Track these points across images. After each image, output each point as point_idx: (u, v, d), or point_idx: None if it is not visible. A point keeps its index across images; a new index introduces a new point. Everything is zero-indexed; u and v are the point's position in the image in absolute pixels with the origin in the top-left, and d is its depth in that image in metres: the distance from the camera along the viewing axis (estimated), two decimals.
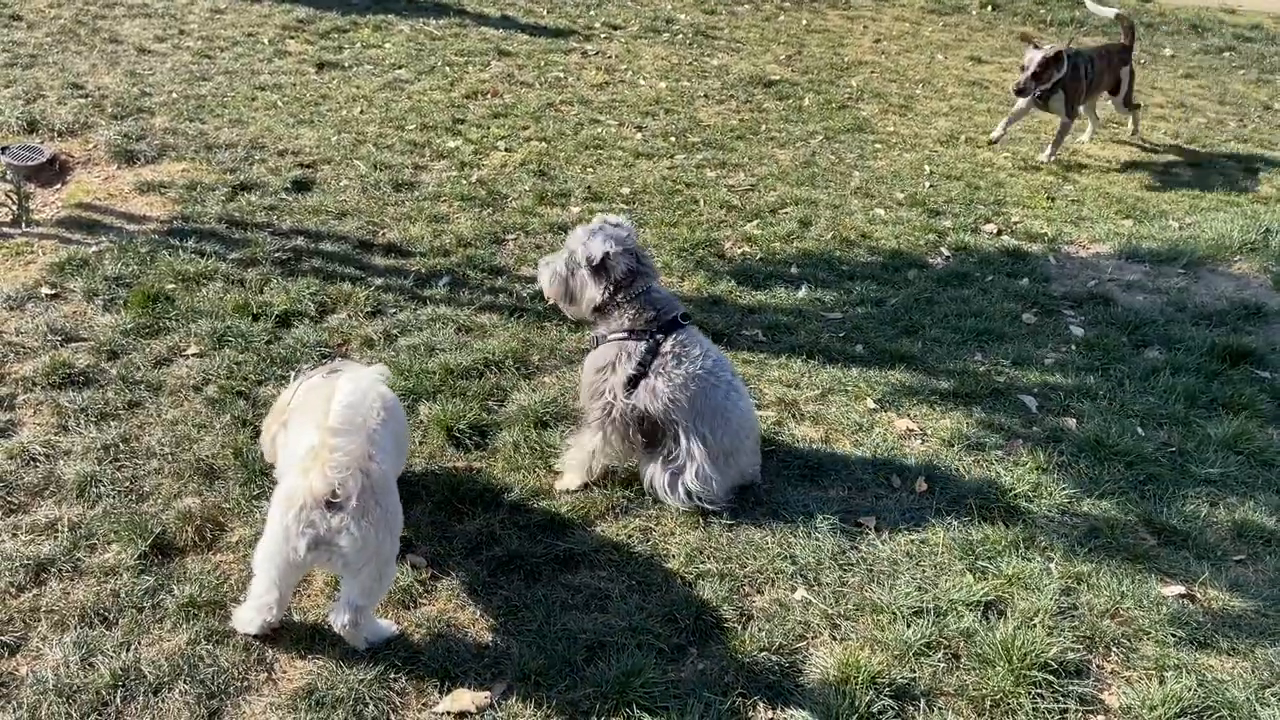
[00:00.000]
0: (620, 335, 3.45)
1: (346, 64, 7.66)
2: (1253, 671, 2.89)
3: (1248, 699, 2.78)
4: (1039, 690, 2.79)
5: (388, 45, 8.18)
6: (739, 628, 2.97)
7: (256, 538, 3.16)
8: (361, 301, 4.54)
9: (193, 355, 4.07)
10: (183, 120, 6.27)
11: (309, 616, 2.93)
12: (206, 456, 3.51)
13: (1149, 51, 9.83)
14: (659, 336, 3.42)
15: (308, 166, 5.87)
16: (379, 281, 4.73)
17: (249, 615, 2.80)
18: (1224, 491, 3.65)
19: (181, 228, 5.03)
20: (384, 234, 5.21)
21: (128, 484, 3.37)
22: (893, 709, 2.73)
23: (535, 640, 2.89)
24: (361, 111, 6.79)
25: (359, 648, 2.81)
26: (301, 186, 5.62)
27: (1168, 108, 8.23)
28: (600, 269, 3.41)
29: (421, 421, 3.80)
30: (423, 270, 4.89)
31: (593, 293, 3.45)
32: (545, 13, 9.61)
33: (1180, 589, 3.18)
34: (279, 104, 6.71)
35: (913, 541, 3.36)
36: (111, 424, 3.64)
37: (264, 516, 3.23)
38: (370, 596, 2.74)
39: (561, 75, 7.95)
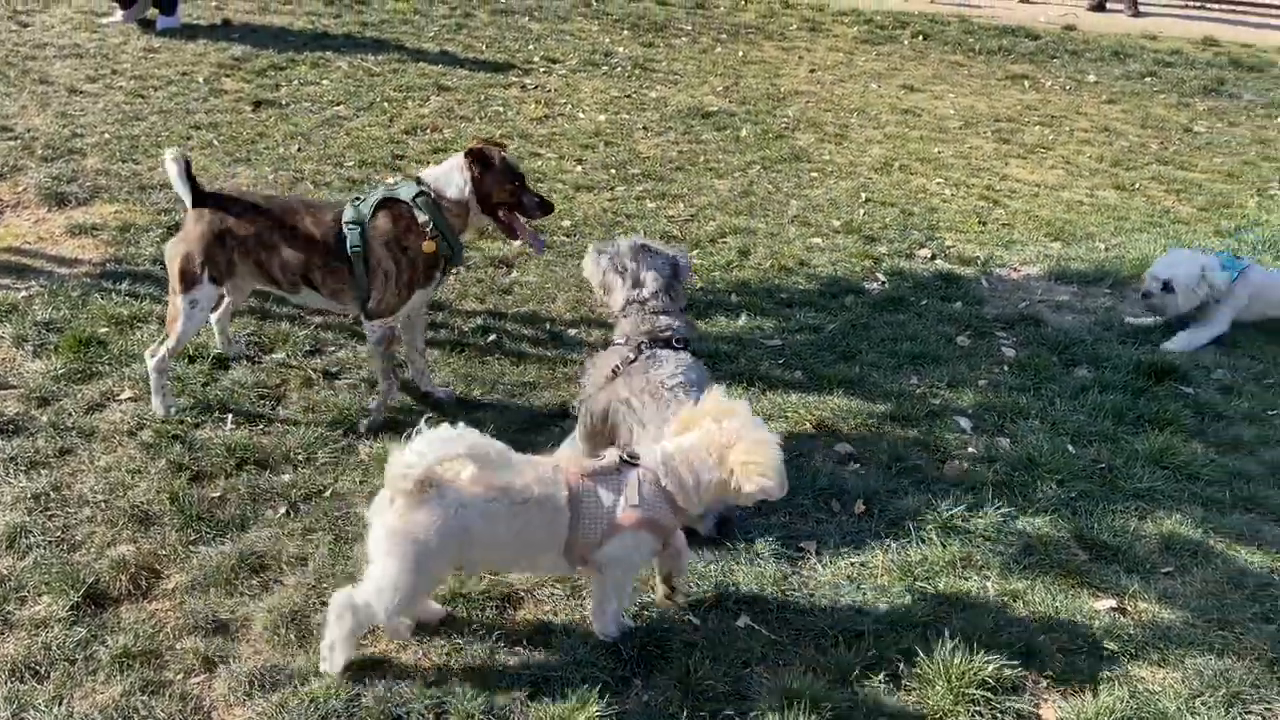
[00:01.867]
0: (620, 342, 3.66)
1: (284, 101, 7.63)
2: (1183, 681, 2.97)
3: (1178, 709, 2.86)
4: (977, 708, 2.84)
5: (326, 82, 8.17)
6: (683, 657, 2.99)
7: (194, 584, 3.13)
8: (300, 340, 4.51)
9: (127, 400, 4.01)
10: (115, 161, 6.20)
11: (247, 665, 2.89)
12: (141, 502, 3.46)
13: (1073, 78, 10.13)
14: (643, 346, 3.55)
15: None
16: (318, 320, 4.71)
17: None
18: (1152, 505, 3.76)
19: (115, 270, 4.96)
20: None
21: (59, 533, 3.31)
22: None
23: (478, 679, 2.88)
24: (299, 149, 6.76)
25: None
26: None
27: (1093, 132, 8.49)
28: (630, 276, 3.75)
29: (362, 460, 3.78)
30: None
31: (618, 296, 3.78)
32: (484, 47, 9.67)
33: (1112, 602, 3.26)
34: (215, 143, 6.66)
35: (853, 565, 3.41)
36: (42, 472, 3.57)
37: (201, 561, 3.21)
38: None
39: (501, 109, 7.99)
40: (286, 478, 3.65)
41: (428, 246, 3.78)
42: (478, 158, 3.82)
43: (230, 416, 3.98)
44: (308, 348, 4.47)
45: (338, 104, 7.68)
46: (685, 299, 3.88)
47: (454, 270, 4.44)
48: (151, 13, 9.03)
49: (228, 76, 8.02)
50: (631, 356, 3.55)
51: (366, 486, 3.65)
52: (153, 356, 3.88)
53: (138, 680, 2.80)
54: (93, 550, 3.26)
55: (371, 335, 3.93)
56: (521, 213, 3.98)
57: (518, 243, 4.22)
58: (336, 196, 6.02)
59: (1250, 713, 2.88)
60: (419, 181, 3.86)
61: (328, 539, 3.38)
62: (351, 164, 6.57)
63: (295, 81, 8.09)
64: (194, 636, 2.97)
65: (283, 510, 3.50)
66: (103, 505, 3.44)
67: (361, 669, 2.88)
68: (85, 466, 3.63)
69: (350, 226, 3.76)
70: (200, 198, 3.79)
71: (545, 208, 4.01)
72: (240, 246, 3.78)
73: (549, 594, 3.20)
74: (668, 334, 3.59)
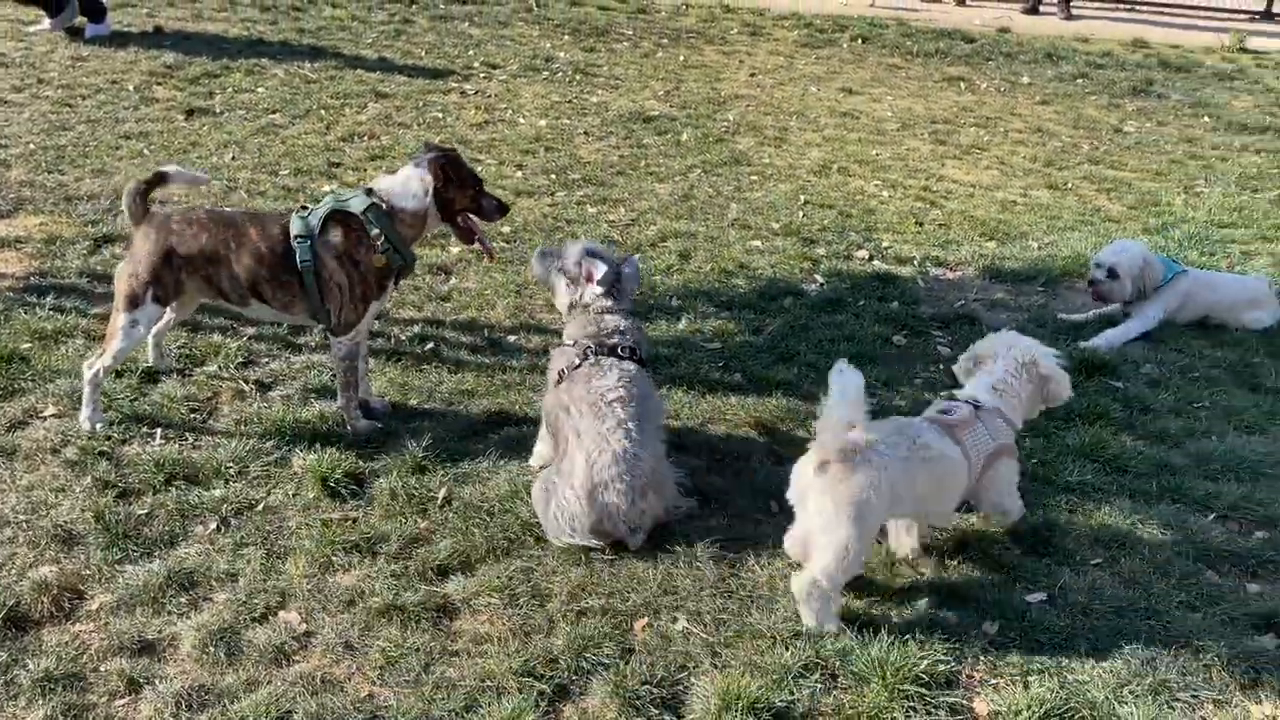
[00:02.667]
0: (568, 344, 3.68)
1: (217, 109, 7.51)
2: (1111, 671, 3.02)
3: (1106, 698, 2.91)
4: (912, 704, 2.87)
5: (261, 89, 8.05)
6: (621, 663, 2.98)
7: (119, 604, 3.06)
8: (233, 353, 4.43)
9: (50, 416, 3.91)
10: (41, 172, 6.05)
11: (174, 685, 2.83)
12: (65, 522, 3.38)
13: (1008, 80, 10.31)
14: (589, 352, 3.55)
15: None
16: (251, 331, 4.63)
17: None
18: (1082, 498, 3.82)
19: (39, 284, 4.84)
20: None
21: None
22: None
23: (414, 690, 2.84)
24: (233, 158, 6.66)
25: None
26: None
27: (1026, 133, 8.64)
28: (573, 278, 3.78)
29: (295, 473, 3.72)
30: None
31: (563, 299, 3.84)
32: (423, 53, 9.60)
33: (1043, 595, 3.31)
34: (145, 152, 6.53)
35: (791, 565, 3.41)
36: None
37: (127, 581, 3.14)
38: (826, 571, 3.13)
39: (440, 115, 7.94)
40: (217, 493, 3.58)
41: (377, 261, 3.76)
42: (446, 164, 3.83)
43: (159, 431, 3.90)
44: (240, 360, 4.40)
45: (273, 112, 7.57)
46: (631, 303, 3.88)
47: (406, 278, 4.41)
48: (80, 20, 8.84)
49: (159, 85, 7.88)
50: (576, 362, 3.54)
51: (300, 500, 3.60)
52: (90, 369, 3.81)
53: (60, 704, 2.72)
54: (13, 572, 3.17)
55: (337, 351, 3.89)
56: (481, 217, 4.00)
57: (472, 247, 4.20)
58: (272, 205, 5.94)
59: (1176, 700, 2.93)
60: (369, 192, 3.81)
61: (260, 554, 3.32)
62: (287, 172, 6.48)
63: (229, 89, 7.97)
64: (119, 658, 2.90)
65: (213, 526, 3.44)
66: (24, 525, 3.35)
67: (291, 685, 2.83)
68: (6, 486, 3.54)
69: (299, 240, 3.70)
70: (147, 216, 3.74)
71: (502, 209, 4.04)
72: (187, 265, 3.73)
73: (486, 604, 3.18)
74: (614, 341, 3.58)
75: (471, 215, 3.98)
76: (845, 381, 3.01)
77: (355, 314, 3.83)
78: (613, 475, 3.34)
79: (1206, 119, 9.31)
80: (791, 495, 3.20)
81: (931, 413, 3.42)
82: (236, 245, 3.73)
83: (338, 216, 3.75)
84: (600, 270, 3.73)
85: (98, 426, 3.84)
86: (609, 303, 3.74)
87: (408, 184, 3.83)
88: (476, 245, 4.07)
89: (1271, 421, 4.43)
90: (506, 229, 5.98)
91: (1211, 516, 3.75)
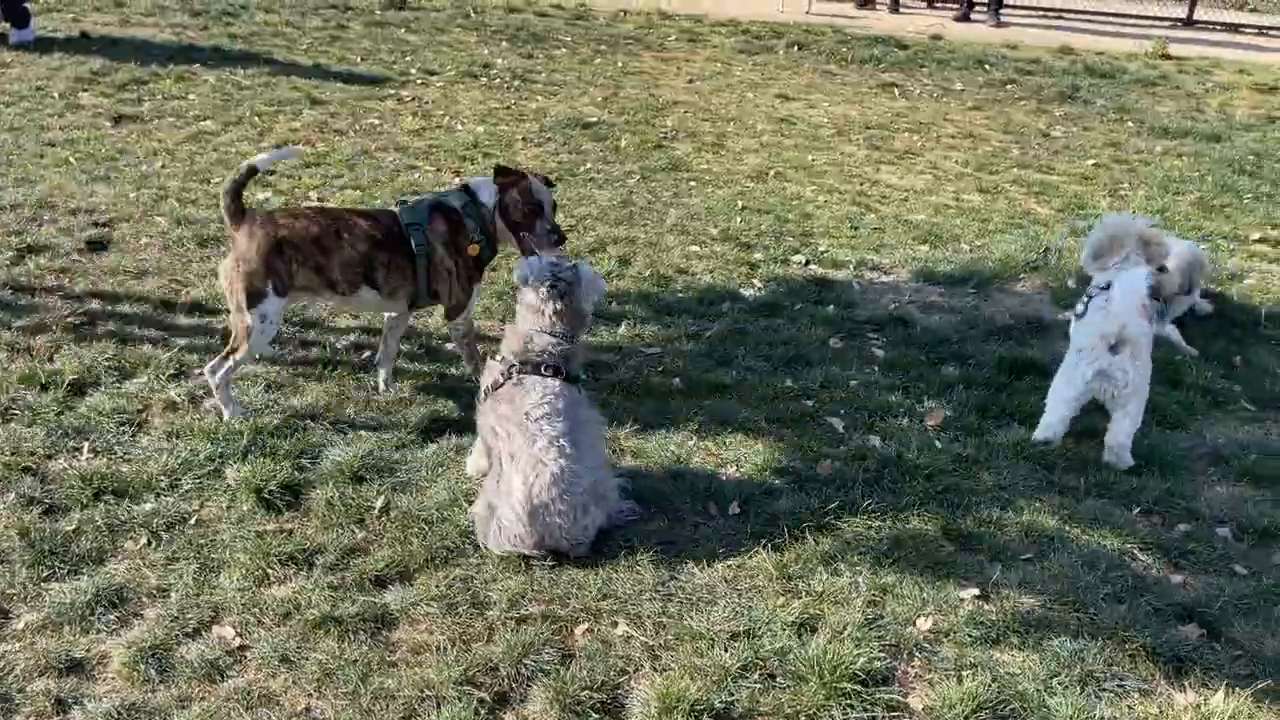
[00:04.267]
0: (499, 358, 3.63)
1: (147, 116, 7.37)
2: (1041, 663, 3.09)
3: (1036, 690, 2.98)
4: (849, 701, 2.91)
5: (192, 96, 7.92)
6: (561, 669, 2.98)
7: (45, 623, 3.00)
8: (164, 364, 4.35)
9: None
10: None
11: (103, 704, 2.77)
12: None
13: (940, 86, 10.51)
14: (513, 370, 3.51)
15: (103, 225, 5.61)
16: (183, 342, 4.55)
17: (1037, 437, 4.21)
18: (1013, 495, 3.91)
19: None
20: (188, 292, 5.01)
21: None
22: None
23: (351, 703, 2.82)
24: (164, 166, 6.54)
25: (1123, 467, 4.05)
26: (96, 246, 5.36)
27: (958, 138, 8.82)
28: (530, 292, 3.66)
29: (229, 485, 3.67)
30: (230, 328, 4.72)
31: (520, 305, 3.71)
32: (360, 60, 9.52)
33: (976, 591, 3.38)
34: (71, 160, 6.38)
35: (730, 566, 3.45)
36: None
37: (54, 599, 3.07)
38: (1135, 424, 4.04)
39: (377, 122, 7.88)
40: (148, 506, 3.52)
41: (471, 249, 4.12)
42: (502, 177, 4.12)
43: (87, 445, 3.81)
44: (171, 371, 4.32)
45: (204, 119, 7.45)
46: (582, 317, 3.69)
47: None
48: (3, 27, 8.62)
49: (85, 91, 7.71)
50: (500, 380, 3.53)
51: (234, 512, 3.54)
52: (213, 373, 3.98)
53: None
54: None
55: (456, 331, 4.33)
56: (533, 238, 4.13)
57: None
58: (204, 215, 5.84)
59: (1104, 690, 3.02)
60: (465, 189, 4.18)
61: (192, 568, 3.26)
62: (219, 180, 6.37)
63: (159, 96, 7.83)
64: (46, 677, 2.83)
65: (143, 541, 3.37)
66: None
67: (225, 701, 2.79)
68: None
69: (413, 227, 4.04)
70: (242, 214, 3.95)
71: (557, 240, 4.15)
72: (299, 255, 3.92)
73: (424, 613, 3.16)
74: (538, 360, 3.53)
75: (528, 235, 4.14)
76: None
77: (464, 295, 4.21)
78: (553, 496, 3.33)
79: (1130, 124, 9.58)
80: None
81: None
82: (348, 234, 3.97)
83: (440, 208, 4.10)
84: (522, 275, 3.66)
85: (241, 414, 4.02)
86: (540, 318, 3.61)
87: (485, 186, 4.17)
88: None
89: (1191, 416, 4.57)
90: None
91: (1136, 511, 3.86)
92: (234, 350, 3.97)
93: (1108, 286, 4.30)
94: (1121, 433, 4.07)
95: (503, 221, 4.16)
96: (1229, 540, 3.73)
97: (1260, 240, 6.73)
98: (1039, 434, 4.21)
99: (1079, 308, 4.41)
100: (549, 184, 4.28)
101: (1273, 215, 7.22)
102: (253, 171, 3.94)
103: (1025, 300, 5.73)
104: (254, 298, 3.87)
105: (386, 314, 4.35)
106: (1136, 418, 4.07)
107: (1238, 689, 3.01)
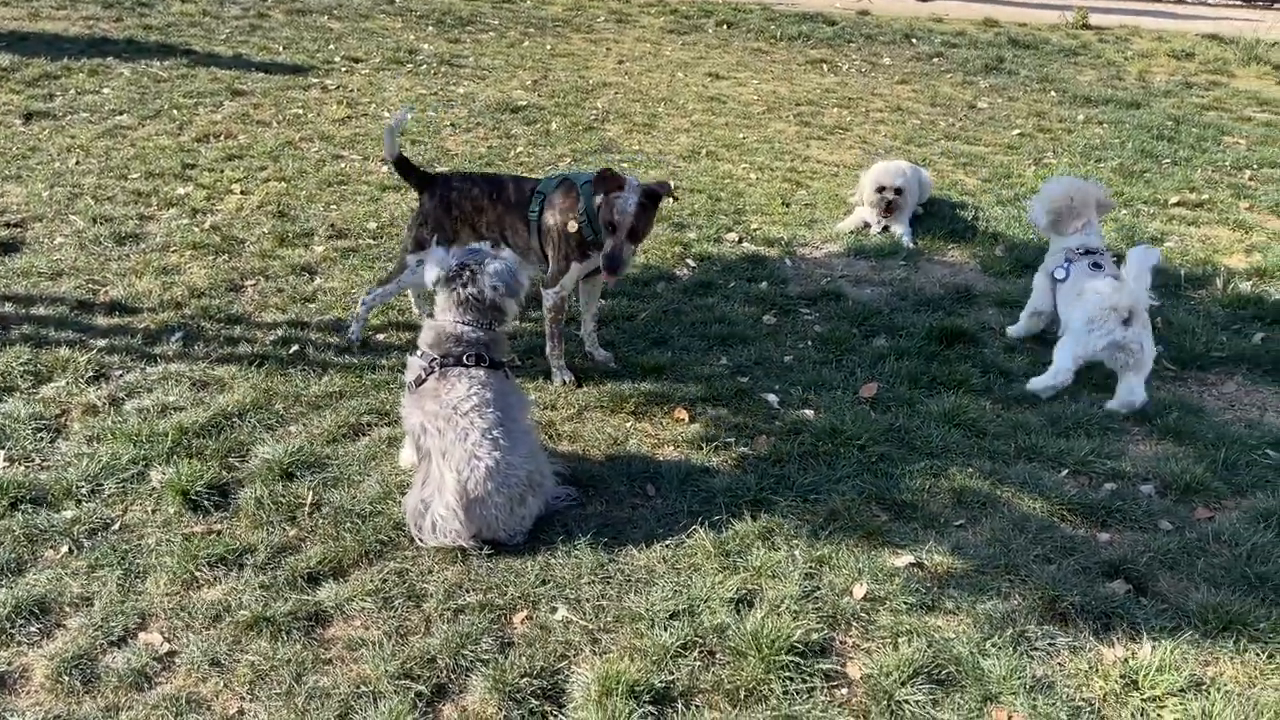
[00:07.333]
0: (419, 351, 3.56)
1: (59, 112, 7.14)
2: (975, 626, 3.14)
3: (971, 653, 3.02)
4: (788, 674, 2.93)
5: (106, 90, 7.69)
6: (500, 657, 2.96)
7: None
8: (82, 366, 4.23)
9: None
10: None
11: (26, 718, 2.69)
12: None
13: (868, 61, 10.59)
14: (434, 365, 3.45)
15: (15, 226, 5.43)
16: (102, 343, 4.42)
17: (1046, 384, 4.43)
18: (945, 463, 3.96)
19: None
20: (106, 292, 4.87)
21: None
22: (653, 714, 2.79)
23: (286, 703, 2.77)
24: (78, 162, 6.34)
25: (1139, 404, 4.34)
26: (8, 248, 5.19)
27: (887, 112, 8.89)
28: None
29: (154, 488, 3.57)
30: (152, 327, 4.61)
31: (436, 298, 3.66)
32: (281, 49, 9.31)
33: (910, 558, 3.42)
34: None
35: (668, 546, 3.45)
36: None
37: None
38: (1145, 373, 4.35)
39: (301, 112, 7.72)
40: (68, 514, 3.42)
41: (570, 225, 4.22)
42: (604, 174, 4.11)
43: (2, 453, 3.69)
44: (90, 374, 4.20)
45: (120, 113, 7.24)
46: (495, 306, 3.59)
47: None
48: None
49: None
50: (423, 375, 3.47)
51: (159, 515, 3.46)
52: (369, 293, 4.63)
53: None
54: None
55: (545, 301, 4.43)
56: (610, 233, 4.12)
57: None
58: (121, 212, 5.68)
59: (1035, 649, 3.07)
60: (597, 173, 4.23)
61: (116, 575, 3.17)
62: (138, 175, 6.21)
63: (71, 91, 7.59)
64: None
65: (64, 549, 3.27)
66: None
67: (153, 709, 2.72)
68: None
69: (536, 194, 4.33)
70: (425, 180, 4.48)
71: (609, 265, 4.10)
72: (462, 215, 4.43)
73: (359, 609, 3.11)
74: (459, 350, 3.47)
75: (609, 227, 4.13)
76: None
77: (560, 269, 4.33)
78: (489, 490, 3.30)
79: (1053, 93, 9.74)
80: None
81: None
82: (496, 194, 4.40)
83: (565, 183, 4.31)
84: (431, 272, 3.59)
85: (355, 338, 4.60)
86: (451, 310, 3.56)
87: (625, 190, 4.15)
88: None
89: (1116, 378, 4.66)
90: (373, 224, 5.86)
91: (1064, 472, 3.94)
92: (387, 280, 4.62)
93: (1089, 252, 4.54)
94: (1137, 385, 4.34)
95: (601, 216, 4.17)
96: (1153, 497, 3.82)
97: (1179, 204, 6.89)
98: (1050, 380, 4.42)
99: (1058, 272, 4.61)
100: (669, 195, 4.28)
101: (1190, 179, 7.39)
102: (396, 155, 4.42)
103: (954, 270, 5.81)
104: (419, 244, 4.46)
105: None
106: (1147, 369, 4.36)
107: (1164, 641, 3.08)
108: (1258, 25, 12.39)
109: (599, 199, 4.13)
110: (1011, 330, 4.97)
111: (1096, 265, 4.51)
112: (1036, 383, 4.47)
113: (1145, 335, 4.32)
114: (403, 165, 4.46)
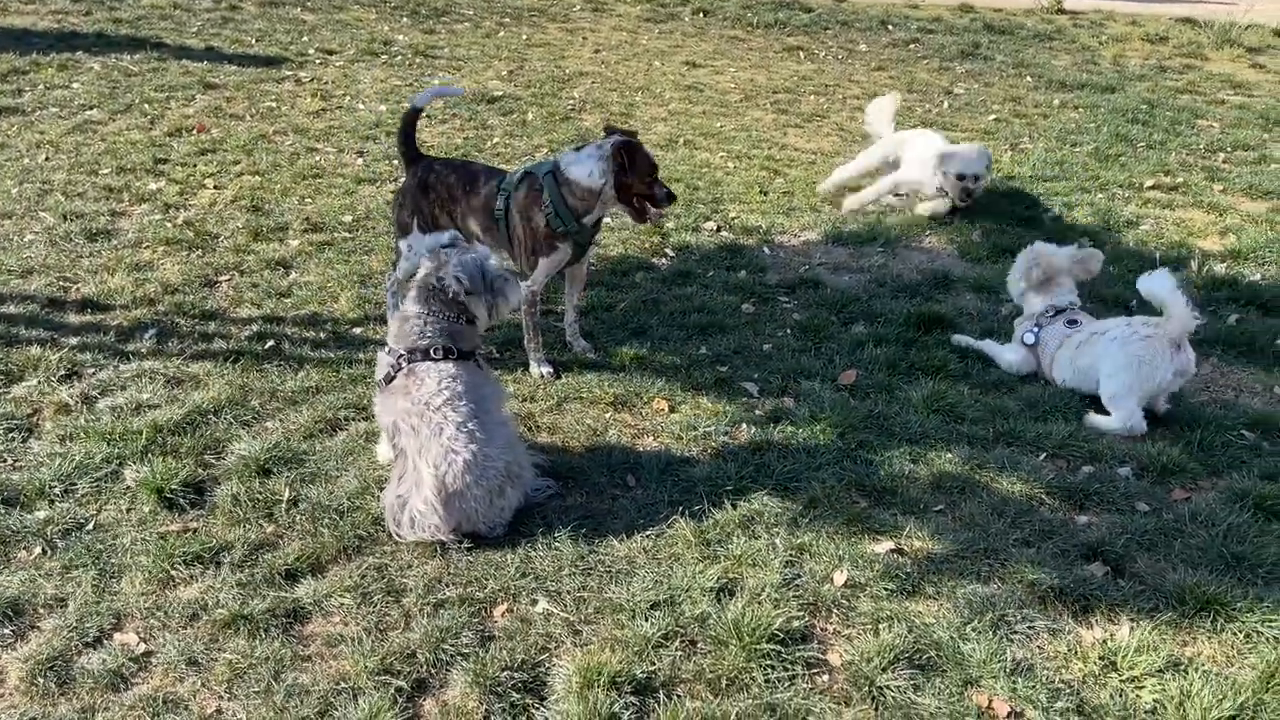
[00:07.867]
0: (387, 349, 3.52)
1: (28, 108, 7.04)
2: (954, 611, 3.15)
3: (951, 637, 3.03)
4: (769, 662, 2.93)
5: (76, 85, 7.59)
6: (481, 651, 2.95)
7: None
8: (54, 365, 4.18)
9: None
10: None
11: None
12: None
13: (845, 48, 10.59)
14: (402, 361, 3.40)
15: None
16: (74, 341, 4.37)
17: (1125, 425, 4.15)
18: (924, 448, 3.97)
19: None
20: (78, 289, 4.82)
21: None
22: (635, 705, 2.79)
23: (264, 701, 2.75)
24: (47, 158, 6.26)
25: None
26: None
27: (864, 99, 8.87)
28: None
29: (128, 487, 3.54)
30: (125, 324, 4.56)
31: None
32: (254, 41, 9.22)
33: (890, 544, 3.43)
34: None
35: (649, 536, 3.44)
36: None
37: None
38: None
39: (274, 105, 7.65)
40: (41, 514, 3.38)
41: (539, 221, 4.17)
42: (626, 150, 4.09)
43: None
44: (62, 372, 4.15)
45: (90, 108, 7.16)
46: (458, 301, 3.51)
47: (590, 244, 4.54)
48: None
49: None
50: (392, 373, 3.43)
51: (134, 514, 3.42)
52: (389, 279, 4.63)
53: None
54: None
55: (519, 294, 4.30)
56: (653, 204, 4.24)
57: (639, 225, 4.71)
58: (93, 208, 5.61)
59: (1015, 632, 3.08)
60: (555, 163, 4.19)
61: (90, 575, 3.14)
62: (108, 171, 6.14)
63: (40, 86, 7.49)
64: None
65: (38, 550, 3.23)
66: None
67: (130, 709, 2.69)
68: None
69: (501, 192, 4.25)
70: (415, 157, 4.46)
71: (671, 198, 4.28)
72: (439, 200, 4.38)
73: (338, 605, 3.09)
74: (425, 344, 3.42)
75: (645, 199, 4.20)
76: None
77: (528, 265, 4.29)
78: (468, 483, 3.28)
79: (1029, 78, 9.76)
80: None
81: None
82: (468, 190, 4.34)
83: (528, 177, 4.21)
84: (403, 263, 3.57)
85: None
86: (416, 304, 3.51)
87: (584, 162, 4.14)
88: (649, 224, 4.47)
89: None
90: (348, 217, 5.81)
91: (1042, 456, 3.95)
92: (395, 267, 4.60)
93: (1059, 311, 4.50)
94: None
95: (618, 195, 4.18)
96: (1130, 479, 3.84)
97: (1154, 187, 6.93)
98: (1130, 427, 4.13)
99: (1027, 336, 4.53)
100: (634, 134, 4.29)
101: (1165, 163, 7.43)
102: (416, 112, 4.40)
103: (932, 256, 5.82)
104: (402, 229, 4.47)
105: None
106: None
107: (1142, 622, 3.10)
108: (1231, 9, 12.46)
109: (597, 174, 4.10)
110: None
111: (1072, 322, 4.44)
112: (1126, 427, 4.17)
113: (1194, 357, 4.25)
114: (409, 126, 4.44)
